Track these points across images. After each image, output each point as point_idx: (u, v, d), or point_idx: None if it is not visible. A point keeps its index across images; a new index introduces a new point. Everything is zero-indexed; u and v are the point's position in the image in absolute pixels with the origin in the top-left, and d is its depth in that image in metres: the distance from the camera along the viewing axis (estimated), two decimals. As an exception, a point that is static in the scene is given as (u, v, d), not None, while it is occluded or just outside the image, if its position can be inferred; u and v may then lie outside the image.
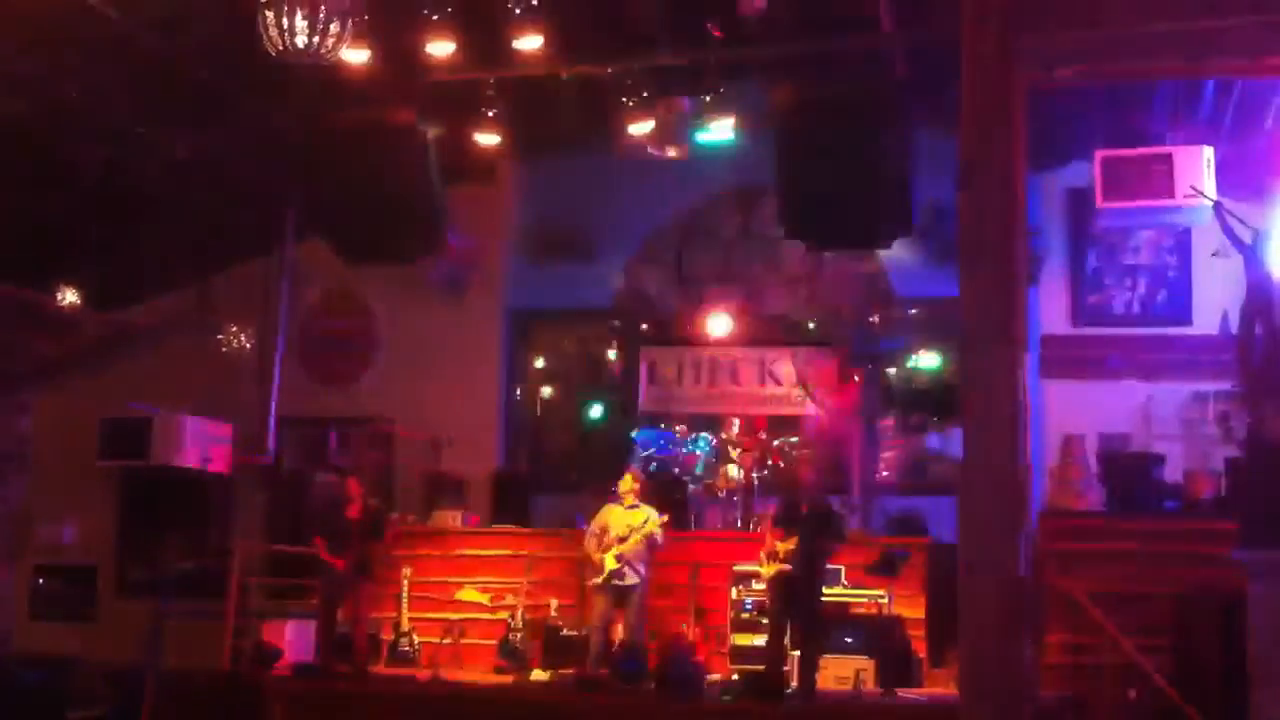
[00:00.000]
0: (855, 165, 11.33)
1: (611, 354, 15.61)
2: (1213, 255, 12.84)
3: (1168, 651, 10.42)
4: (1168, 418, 13.17)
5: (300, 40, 8.13)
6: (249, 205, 14.48)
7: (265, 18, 8.14)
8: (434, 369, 15.01)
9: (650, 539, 12.00)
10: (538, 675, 12.04)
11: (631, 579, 11.91)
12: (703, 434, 14.12)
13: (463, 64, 11.86)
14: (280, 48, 8.20)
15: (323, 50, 8.24)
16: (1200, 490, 11.84)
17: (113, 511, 15.77)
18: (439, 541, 13.73)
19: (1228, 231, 11.03)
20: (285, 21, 8.08)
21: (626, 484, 12.26)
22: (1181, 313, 13.67)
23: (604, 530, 12.11)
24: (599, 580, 11.96)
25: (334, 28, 8.18)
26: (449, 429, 14.70)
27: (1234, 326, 11.52)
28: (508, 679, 12.01)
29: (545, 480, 15.05)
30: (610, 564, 11.88)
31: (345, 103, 12.28)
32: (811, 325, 14.83)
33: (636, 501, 12.21)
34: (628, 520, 12.07)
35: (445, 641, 12.79)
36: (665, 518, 12.16)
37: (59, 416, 15.63)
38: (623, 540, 11.95)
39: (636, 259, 15.41)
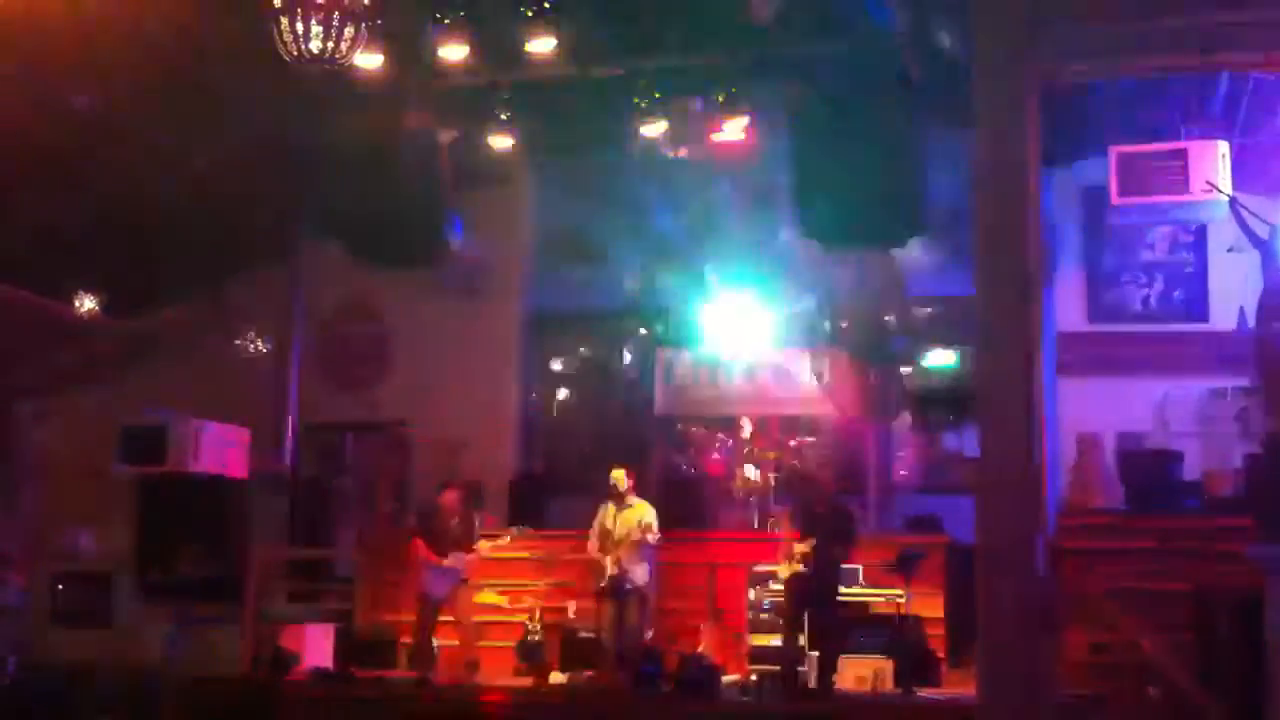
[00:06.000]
0: (870, 165, 11.31)
1: (627, 356, 15.60)
2: (1229, 251, 12.80)
3: (1187, 649, 10.40)
4: (1185, 415, 13.09)
5: (315, 45, 8.14)
6: (265, 212, 14.50)
7: (280, 23, 8.15)
8: (450, 373, 15.02)
9: (643, 542, 12.01)
10: (556, 677, 12.07)
11: (632, 582, 11.96)
12: (719, 435, 14.09)
13: (475, 67, 11.88)
14: (295, 53, 8.21)
15: (337, 55, 8.25)
16: (1218, 487, 11.80)
17: (131, 517, 15.80)
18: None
19: (1244, 227, 11.02)
20: (300, 27, 8.09)
21: (619, 480, 12.27)
22: (1198, 309, 13.58)
23: (606, 533, 12.15)
24: (603, 584, 12.02)
25: (349, 32, 8.19)
26: (466, 432, 14.73)
27: (1251, 322, 11.49)
28: (526, 681, 12.03)
29: (562, 482, 15.05)
30: (610, 568, 11.95)
31: (359, 108, 12.32)
32: (827, 325, 14.77)
33: (631, 499, 12.24)
34: (625, 520, 12.11)
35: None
36: (652, 513, 12.13)
37: (77, 423, 15.66)
38: (620, 544, 12.02)
39: (652, 261, 15.37)
